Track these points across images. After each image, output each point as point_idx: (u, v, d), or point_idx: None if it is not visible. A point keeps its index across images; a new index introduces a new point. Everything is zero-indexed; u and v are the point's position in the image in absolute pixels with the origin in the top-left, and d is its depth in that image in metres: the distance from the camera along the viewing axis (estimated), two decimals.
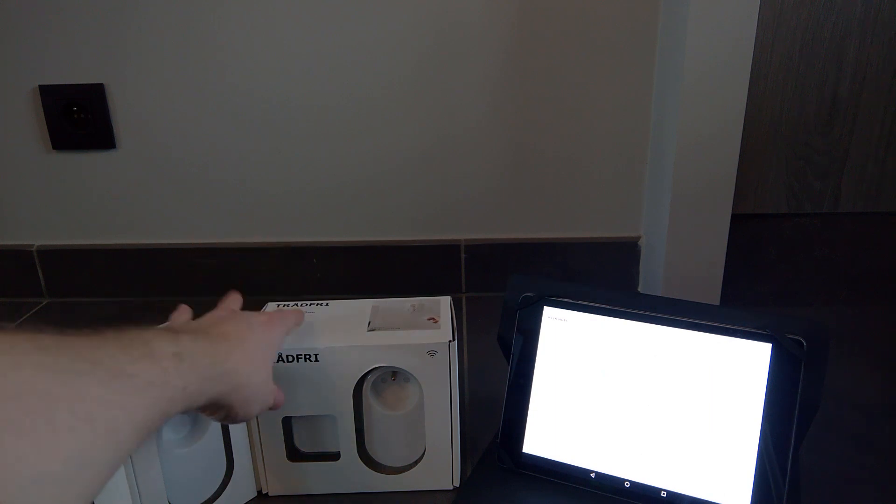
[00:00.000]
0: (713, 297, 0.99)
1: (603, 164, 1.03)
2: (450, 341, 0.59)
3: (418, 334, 0.61)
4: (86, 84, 1.00)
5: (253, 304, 1.12)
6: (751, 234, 1.02)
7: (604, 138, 1.02)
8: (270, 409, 0.54)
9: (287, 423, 0.63)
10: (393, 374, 0.63)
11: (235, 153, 1.04)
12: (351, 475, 0.64)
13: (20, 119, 1.03)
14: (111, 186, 1.06)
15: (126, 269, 1.09)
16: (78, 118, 1.01)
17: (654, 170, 1.01)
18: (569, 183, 1.04)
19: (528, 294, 0.62)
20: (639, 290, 1.08)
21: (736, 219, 0.97)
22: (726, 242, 0.97)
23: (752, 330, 0.54)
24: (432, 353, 0.59)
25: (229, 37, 0.98)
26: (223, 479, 0.62)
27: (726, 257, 0.98)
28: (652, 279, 1.03)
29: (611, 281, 1.08)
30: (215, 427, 0.60)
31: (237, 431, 0.62)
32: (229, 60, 0.99)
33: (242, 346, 0.49)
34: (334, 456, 0.64)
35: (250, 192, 1.06)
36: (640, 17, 0.96)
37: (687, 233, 0.96)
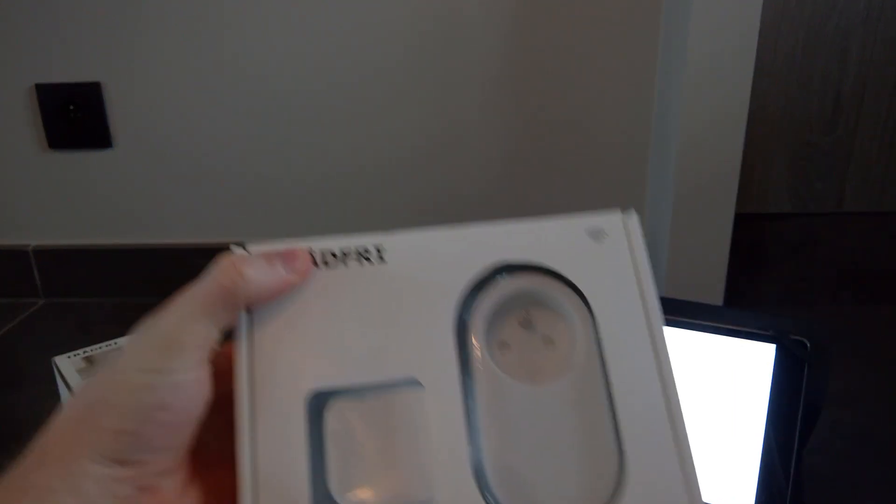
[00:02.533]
0: (716, 297, 0.99)
1: (605, 164, 1.02)
2: (625, 214, 0.35)
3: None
4: (82, 83, 1.00)
5: None
6: (754, 234, 1.01)
7: (606, 138, 1.01)
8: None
9: (316, 412, 0.32)
10: (525, 311, 0.34)
11: (233, 152, 1.03)
12: None
13: (16, 118, 1.02)
14: (108, 185, 1.06)
15: (123, 268, 1.09)
16: (74, 117, 1.01)
17: (657, 169, 1.00)
18: (570, 182, 1.04)
19: None
20: None
21: (739, 219, 0.96)
22: (729, 242, 0.96)
23: (756, 331, 0.54)
24: (598, 235, 0.34)
25: (226, 35, 0.97)
26: None
27: (729, 257, 0.97)
28: (654, 279, 1.02)
29: None
30: None
31: None
32: (227, 59, 0.99)
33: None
34: (421, 490, 0.31)
35: (248, 191, 1.05)
36: (642, 17, 0.95)
37: (689, 233, 0.95)
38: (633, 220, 0.35)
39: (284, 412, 0.31)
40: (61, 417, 0.30)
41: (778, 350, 0.53)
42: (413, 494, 0.30)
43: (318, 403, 0.31)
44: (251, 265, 0.33)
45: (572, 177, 1.03)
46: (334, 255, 0.35)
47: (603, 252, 0.34)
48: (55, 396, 0.84)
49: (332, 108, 1.01)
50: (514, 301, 0.34)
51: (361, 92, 1.00)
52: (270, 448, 0.30)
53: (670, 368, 0.31)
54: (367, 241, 0.35)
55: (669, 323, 0.57)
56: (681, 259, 0.97)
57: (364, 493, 0.30)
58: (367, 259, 0.34)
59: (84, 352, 0.68)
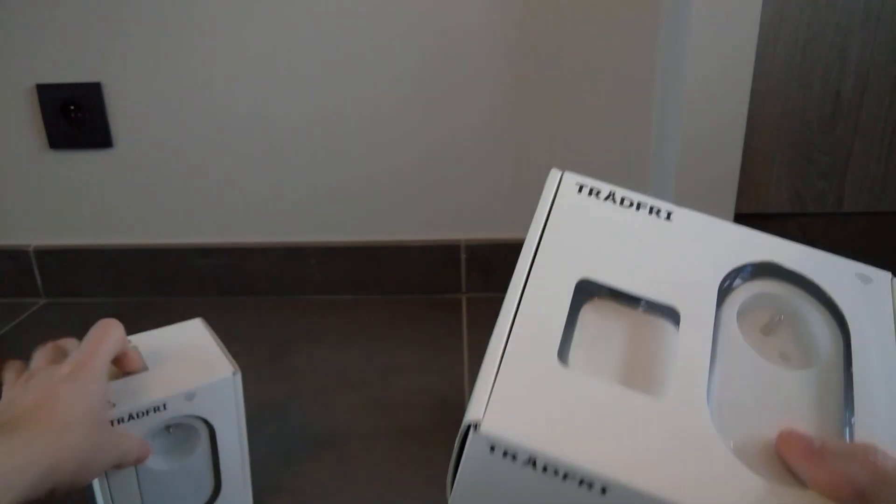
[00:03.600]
0: None
1: (605, 165, 1.02)
2: (893, 277, 0.40)
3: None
4: (83, 83, 0.99)
5: (252, 303, 1.12)
6: None
7: (606, 139, 1.01)
8: (134, 462, 0.48)
9: (581, 296, 0.37)
10: (777, 315, 0.38)
11: (233, 152, 1.03)
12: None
13: (16, 118, 1.02)
14: (108, 186, 1.06)
15: (124, 269, 1.09)
16: (75, 117, 1.01)
17: (657, 170, 1.00)
18: None
19: None
20: None
21: (739, 218, 0.96)
22: None
23: None
24: (866, 279, 0.39)
25: (226, 35, 0.97)
26: (208, 501, 0.58)
27: None
28: None
29: None
30: (203, 445, 0.55)
31: (228, 445, 0.57)
32: (227, 59, 0.98)
33: (48, 425, 0.41)
34: (651, 390, 0.34)
35: (248, 191, 1.05)
36: (642, 18, 0.95)
37: None
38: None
39: (557, 285, 0.36)
40: None
41: None
42: (643, 386, 0.33)
43: (585, 290, 0.37)
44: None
45: None
46: (631, 202, 0.41)
47: (868, 293, 0.38)
48: None
49: (330, 113, 1.01)
50: (769, 302, 0.38)
51: (361, 99, 0.99)
52: (538, 306, 0.35)
53: None
54: (660, 203, 0.41)
55: None
56: None
57: (599, 368, 0.34)
58: (657, 214, 0.40)
59: None
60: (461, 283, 1.08)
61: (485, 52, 0.97)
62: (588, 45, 0.96)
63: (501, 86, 0.99)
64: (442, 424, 0.76)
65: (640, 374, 0.34)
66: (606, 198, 0.41)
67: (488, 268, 1.07)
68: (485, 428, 0.29)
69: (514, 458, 0.29)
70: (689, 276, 0.37)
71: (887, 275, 0.39)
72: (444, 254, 1.06)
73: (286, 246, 1.07)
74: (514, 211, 1.05)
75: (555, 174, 0.42)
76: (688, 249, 0.38)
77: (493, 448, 0.29)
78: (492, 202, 1.05)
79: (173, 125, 1.02)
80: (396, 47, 0.97)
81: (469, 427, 0.30)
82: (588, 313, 0.37)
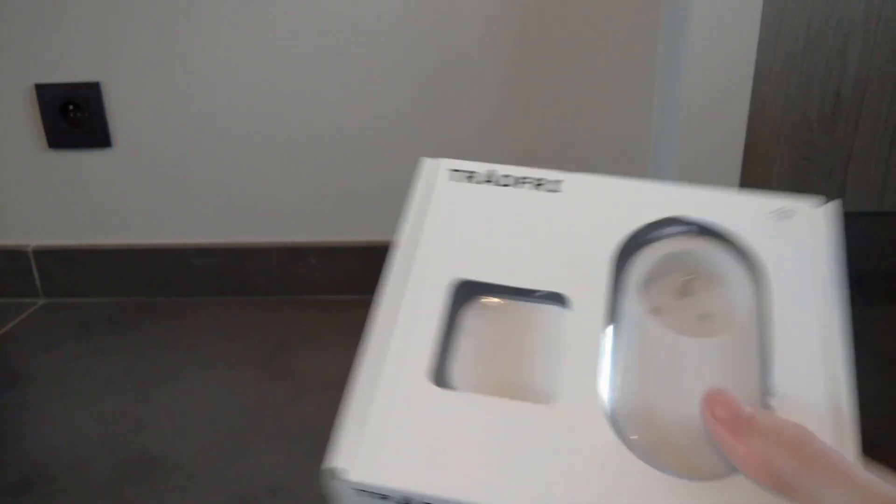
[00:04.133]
0: None
1: (606, 166, 1.02)
2: (822, 204, 0.33)
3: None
4: (82, 83, 0.99)
5: (252, 304, 1.12)
6: None
7: (606, 140, 1.01)
8: None
9: (459, 299, 0.33)
10: (689, 277, 0.33)
11: (233, 152, 1.03)
12: (587, 448, 0.27)
13: (16, 118, 1.02)
14: (107, 185, 1.05)
15: (123, 269, 1.08)
16: (74, 117, 1.01)
17: (657, 170, 1.00)
18: None
19: None
20: None
21: None
22: None
23: None
24: (786, 215, 0.33)
25: (226, 35, 0.97)
26: None
27: None
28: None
29: None
30: None
31: None
32: (226, 58, 0.98)
33: None
34: (541, 394, 0.30)
35: (248, 191, 1.05)
36: (642, 18, 0.95)
37: None
38: (832, 209, 0.33)
39: (430, 292, 0.32)
40: None
41: None
42: (533, 392, 0.30)
43: (464, 292, 0.32)
44: None
45: None
46: (513, 178, 0.36)
47: (787, 231, 0.33)
48: (55, 396, 0.84)
49: (330, 114, 1.00)
50: (678, 262, 0.33)
51: (360, 99, 0.99)
52: (409, 319, 0.31)
53: (844, 351, 0.29)
54: (547, 174, 0.36)
55: None
56: None
57: (484, 380, 0.31)
58: (542, 187, 0.35)
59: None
60: None
61: (484, 49, 0.97)
62: (588, 46, 0.96)
63: (500, 82, 0.99)
64: None
65: (529, 379, 0.30)
66: (485, 180, 0.36)
67: None
68: (348, 474, 0.27)
69: (383, 498, 0.27)
70: (580, 253, 0.32)
71: (813, 202, 0.33)
72: None
73: (286, 246, 1.07)
74: None
75: (427, 162, 0.37)
76: (579, 221, 0.34)
77: (360, 491, 0.27)
78: None
79: (172, 125, 1.02)
80: (395, 46, 0.97)
81: (330, 472, 0.27)
82: (471, 318, 0.33)
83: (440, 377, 0.30)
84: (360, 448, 0.28)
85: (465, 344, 0.32)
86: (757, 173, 0.99)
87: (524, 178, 0.36)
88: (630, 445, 0.27)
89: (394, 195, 1.05)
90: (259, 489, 0.63)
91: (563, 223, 0.34)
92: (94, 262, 1.08)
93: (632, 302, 0.32)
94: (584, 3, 0.94)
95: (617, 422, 0.28)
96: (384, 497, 0.27)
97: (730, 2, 0.85)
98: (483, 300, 0.33)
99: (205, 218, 1.07)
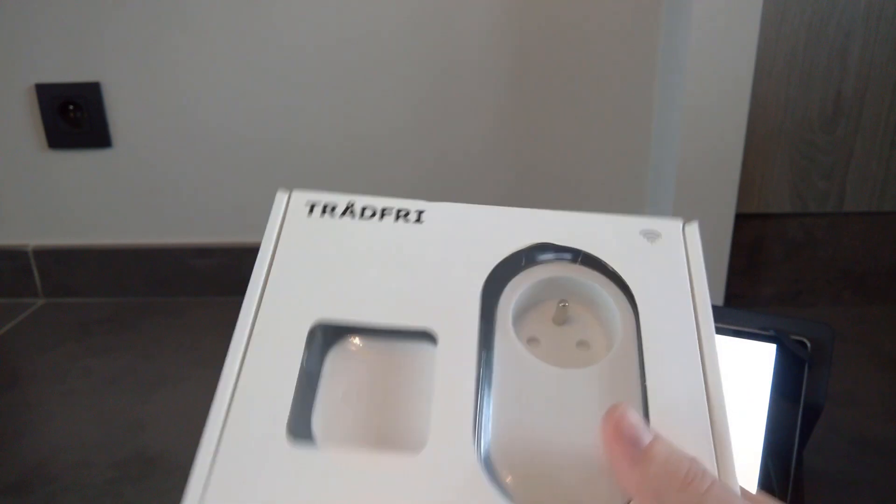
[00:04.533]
0: (717, 297, 0.98)
1: (605, 165, 1.02)
2: (685, 224, 0.34)
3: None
4: (82, 83, 0.99)
5: None
6: (755, 234, 1.01)
7: (606, 139, 1.01)
8: None
9: (318, 343, 0.31)
10: (562, 304, 0.32)
11: (232, 152, 1.03)
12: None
13: (15, 118, 1.02)
14: (107, 185, 1.05)
15: (122, 269, 1.08)
16: (74, 117, 1.01)
17: (658, 170, 1.00)
18: (571, 184, 1.03)
19: None
20: None
21: (740, 218, 0.96)
22: (729, 242, 0.96)
23: (756, 331, 0.53)
24: (652, 236, 0.33)
25: (226, 35, 0.97)
26: None
27: (730, 257, 0.97)
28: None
29: None
30: None
31: None
32: (226, 58, 0.98)
33: None
34: (410, 441, 0.28)
35: (247, 191, 1.05)
36: (643, 18, 0.95)
37: None
38: (694, 228, 0.33)
39: (284, 337, 0.29)
40: None
41: (778, 350, 0.53)
42: (402, 439, 0.28)
43: (323, 335, 0.30)
44: None
45: (572, 177, 1.03)
46: (373, 211, 0.35)
47: (656, 253, 0.32)
48: (55, 396, 0.84)
49: (331, 114, 1.00)
50: (551, 289, 0.32)
51: (361, 101, 0.99)
52: (261, 367, 0.28)
53: (718, 374, 0.29)
54: (410, 203, 0.34)
55: None
56: None
57: (349, 432, 0.28)
58: (405, 218, 0.34)
59: None
60: None
61: (486, 60, 0.97)
62: (588, 46, 0.96)
63: (502, 91, 0.99)
64: None
65: (397, 426, 0.28)
66: (343, 213, 0.35)
67: None
68: None
69: None
70: (445, 287, 0.31)
71: (677, 224, 0.33)
72: None
73: None
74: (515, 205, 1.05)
75: (281, 196, 0.36)
76: (444, 252, 0.32)
77: None
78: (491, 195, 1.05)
79: (172, 125, 1.02)
80: (397, 55, 0.97)
81: None
82: (334, 363, 0.30)
83: (298, 430, 0.27)
84: None
85: (326, 391, 0.29)
86: (757, 173, 0.99)
87: (386, 208, 0.34)
88: (505, 489, 0.26)
89: (393, 195, 1.05)
90: None
91: (428, 255, 0.32)
92: (94, 262, 1.08)
93: (506, 334, 0.30)
94: (584, 1, 0.94)
95: (492, 465, 0.26)
96: None
97: (730, 2, 0.85)
98: (344, 342, 0.31)
99: (205, 218, 1.07)
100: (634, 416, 0.26)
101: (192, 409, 0.80)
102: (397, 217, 0.34)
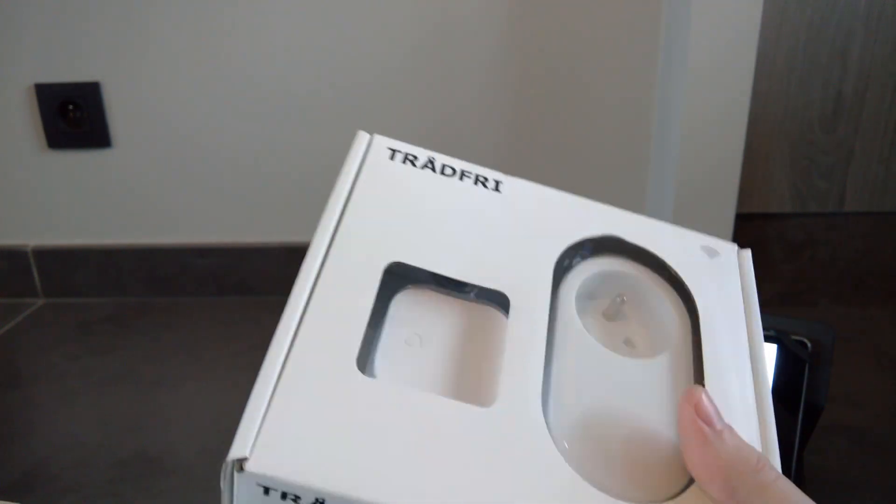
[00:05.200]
0: None
1: (605, 164, 1.02)
2: (740, 248, 0.35)
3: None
4: (82, 82, 0.99)
5: (252, 303, 1.12)
6: (755, 234, 1.01)
7: (606, 138, 1.01)
8: None
9: (391, 283, 0.30)
10: (620, 298, 0.32)
11: (233, 152, 1.03)
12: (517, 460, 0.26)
13: (15, 117, 1.02)
14: (107, 185, 1.05)
15: (122, 269, 1.08)
16: (73, 116, 1.01)
17: (657, 169, 1.00)
18: (570, 182, 1.03)
19: None
20: None
21: (740, 218, 0.96)
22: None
23: None
24: (712, 253, 0.35)
25: (227, 35, 0.97)
26: None
27: None
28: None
29: None
30: None
31: None
32: (227, 58, 0.98)
33: None
34: (476, 396, 0.28)
35: (248, 190, 1.05)
36: (643, 17, 0.95)
37: None
38: (747, 254, 0.35)
39: (358, 272, 0.29)
40: None
41: (778, 350, 0.53)
42: (466, 393, 0.27)
43: (393, 278, 0.30)
44: None
45: (572, 177, 1.03)
46: (453, 169, 0.34)
47: (715, 269, 0.34)
48: (55, 396, 0.84)
49: (331, 114, 1.00)
50: (611, 282, 0.33)
51: (362, 100, 0.99)
52: (332, 298, 0.28)
53: (768, 389, 0.30)
54: (488, 172, 0.34)
55: None
56: None
57: (411, 376, 0.28)
58: (483, 184, 0.34)
59: None
60: None
61: (486, 64, 0.97)
62: (588, 46, 0.96)
63: (502, 92, 0.99)
64: None
65: (464, 378, 0.28)
66: (425, 165, 0.34)
67: None
68: (253, 466, 0.23)
69: (295, 499, 0.23)
70: (520, 256, 0.31)
71: (733, 247, 0.35)
72: None
73: (286, 246, 1.07)
74: None
75: (362, 138, 0.34)
76: (520, 224, 0.32)
77: (266, 490, 0.23)
78: None
79: (172, 124, 1.02)
80: (398, 55, 0.97)
81: (234, 464, 0.23)
82: (402, 306, 0.30)
83: (361, 365, 0.26)
84: (268, 437, 0.24)
85: (390, 333, 0.29)
86: (757, 173, 0.99)
87: (465, 171, 0.34)
88: (563, 453, 0.26)
89: None
90: None
91: (505, 223, 0.32)
92: (94, 262, 1.08)
93: (569, 313, 0.31)
94: (584, 1, 0.94)
95: (550, 430, 0.26)
96: (295, 499, 0.23)
97: (730, 1, 0.85)
98: (412, 289, 0.30)
99: (205, 218, 1.07)
100: (712, 401, 0.27)
101: (193, 409, 0.80)
102: (476, 181, 0.34)
